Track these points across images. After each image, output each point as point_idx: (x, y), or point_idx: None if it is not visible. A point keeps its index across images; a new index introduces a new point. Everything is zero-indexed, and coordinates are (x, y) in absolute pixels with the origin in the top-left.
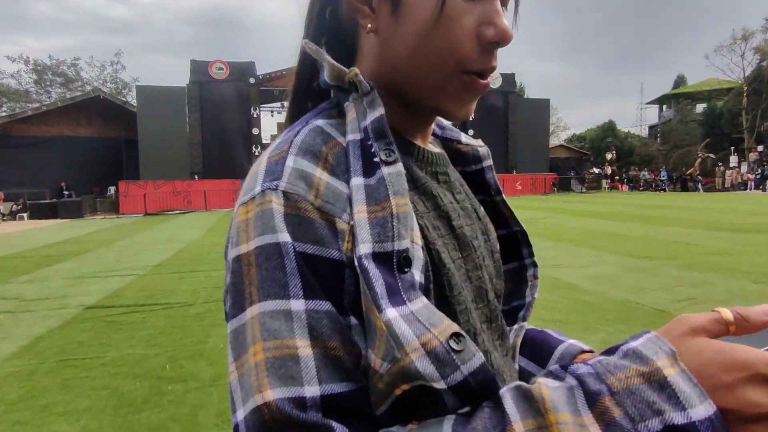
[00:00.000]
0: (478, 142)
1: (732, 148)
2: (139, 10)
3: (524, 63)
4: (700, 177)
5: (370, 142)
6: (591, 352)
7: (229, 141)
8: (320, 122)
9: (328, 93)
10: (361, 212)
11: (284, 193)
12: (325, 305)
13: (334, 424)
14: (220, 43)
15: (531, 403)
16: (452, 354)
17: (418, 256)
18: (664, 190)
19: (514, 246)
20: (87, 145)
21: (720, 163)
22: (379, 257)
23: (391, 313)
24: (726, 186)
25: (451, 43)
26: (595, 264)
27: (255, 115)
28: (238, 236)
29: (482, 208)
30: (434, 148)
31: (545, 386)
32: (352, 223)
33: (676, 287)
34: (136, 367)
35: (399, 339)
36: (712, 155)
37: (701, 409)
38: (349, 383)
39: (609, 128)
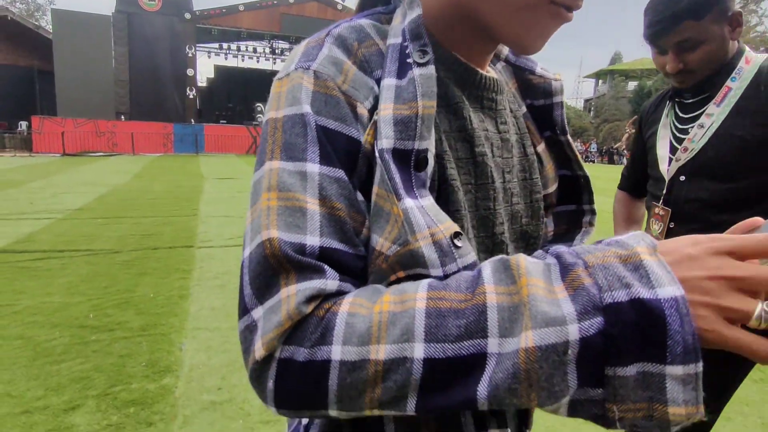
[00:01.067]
0: (554, 75)
1: None
2: None
3: None
4: (625, 151)
5: (406, 44)
6: None
7: (161, 81)
8: (364, 21)
9: None
10: (387, 109)
11: (315, 72)
12: (338, 173)
13: (327, 267)
14: None
15: (507, 271)
16: (452, 248)
17: (430, 162)
18: (593, 162)
19: (576, 189)
20: None
21: None
22: (398, 153)
23: (409, 203)
24: None
25: None
26: None
27: (190, 55)
28: (270, 105)
29: (537, 146)
30: (492, 73)
31: (524, 258)
32: (376, 117)
33: None
34: (54, 316)
35: (413, 226)
36: None
37: (669, 289)
38: (348, 245)
39: None
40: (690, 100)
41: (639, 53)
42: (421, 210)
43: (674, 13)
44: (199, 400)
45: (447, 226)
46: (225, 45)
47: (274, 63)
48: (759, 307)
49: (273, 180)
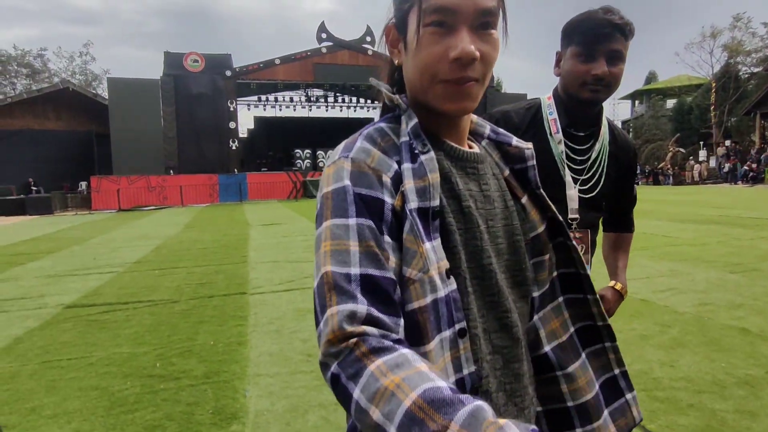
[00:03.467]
0: (526, 145)
1: (701, 142)
2: None
3: (501, 59)
4: (670, 171)
5: (411, 141)
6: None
7: (205, 135)
8: (382, 125)
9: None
10: (409, 183)
11: (352, 158)
12: (369, 222)
13: (359, 295)
14: (191, 36)
15: (478, 427)
16: (447, 278)
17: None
18: (637, 183)
19: (558, 226)
20: (55, 139)
21: (691, 158)
22: (421, 210)
23: (428, 245)
24: (695, 180)
25: (426, 64)
26: None
27: (232, 109)
28: (323, 183)
29: (521, 198)
30: (474, 148)
31: (498, 429)
32: (403, 189)
33: (655, 277)
34: (124, 366)
35: (430, 260)
36: (682, 150)
37: None
38: (380, 270)
39: None
40: (582, 134)
41: (675, 71)
42: (434, 249)
43: (614, 24)
44: None
45: (444, 263)
46: (263, 97)
47: (310, 110)
48: None
49: (327, 234)
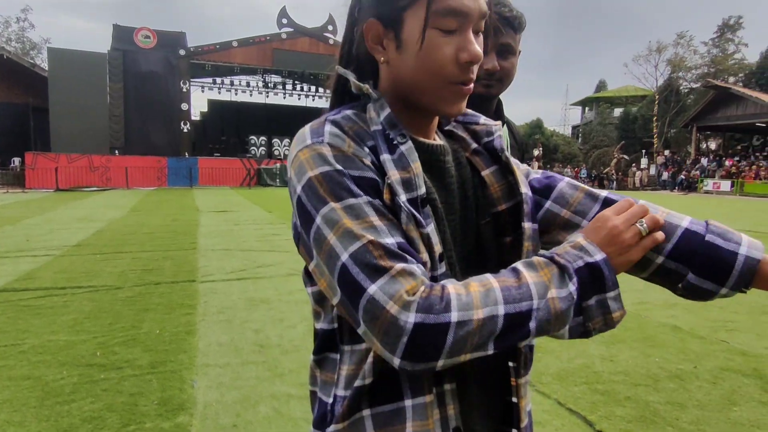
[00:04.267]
0: (493, 122)
1: (643, 150)
2: None
3: None
4: (614, 176)
5: (387, 132)
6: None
7: (155, 115)
8: (348, 112)
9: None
10: (394, 175)
11: (329, 143)
12: (376, 201)
13: (409, 258)
14: (143, 9)
15: (533, 266)
16: (438, 262)
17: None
18: None
19: (517, 216)
20: None
21: (633, 164)
22: (411, 201)
23: (425, 230)
24: (636, 186)
25: (438, 66)
26: None
27: (184, 90)
28: (302, 168)
29: (482, 171)
30: (438, 141)
31: (539, 258)
32: (388, 181)
33: None
34: (60, 354)
35: (431, 243)
36: (625, 156)
37: (599, 255)
38: (403, 238)
39: (537, 126)
40: None
41: (623, 81)
42: (431, 233)
43: (503, 17)
44: None
45: (439, 247)
46: (218, 80)
47: (267, 96)
48: (638, 226)
49: (341, 213)
